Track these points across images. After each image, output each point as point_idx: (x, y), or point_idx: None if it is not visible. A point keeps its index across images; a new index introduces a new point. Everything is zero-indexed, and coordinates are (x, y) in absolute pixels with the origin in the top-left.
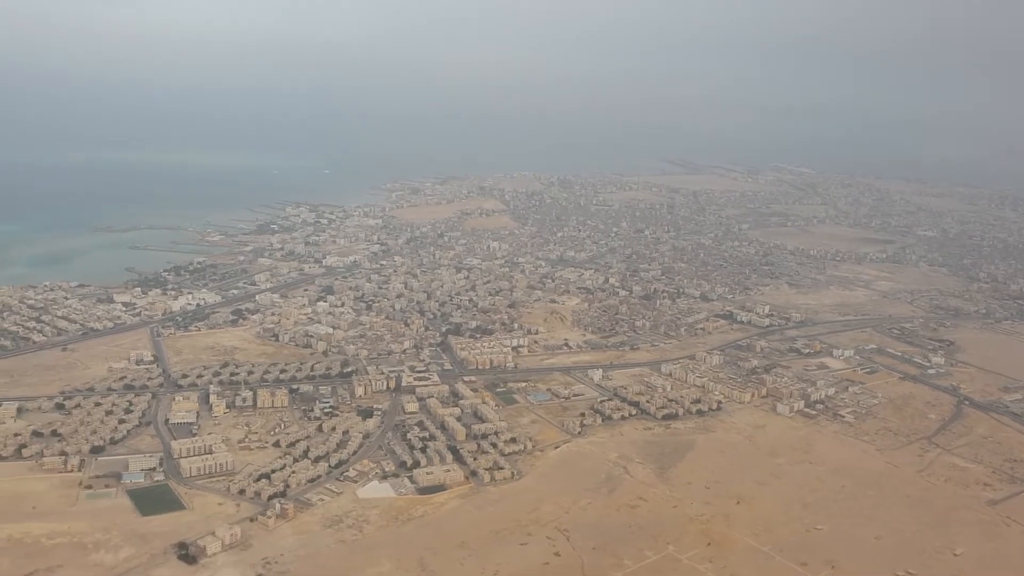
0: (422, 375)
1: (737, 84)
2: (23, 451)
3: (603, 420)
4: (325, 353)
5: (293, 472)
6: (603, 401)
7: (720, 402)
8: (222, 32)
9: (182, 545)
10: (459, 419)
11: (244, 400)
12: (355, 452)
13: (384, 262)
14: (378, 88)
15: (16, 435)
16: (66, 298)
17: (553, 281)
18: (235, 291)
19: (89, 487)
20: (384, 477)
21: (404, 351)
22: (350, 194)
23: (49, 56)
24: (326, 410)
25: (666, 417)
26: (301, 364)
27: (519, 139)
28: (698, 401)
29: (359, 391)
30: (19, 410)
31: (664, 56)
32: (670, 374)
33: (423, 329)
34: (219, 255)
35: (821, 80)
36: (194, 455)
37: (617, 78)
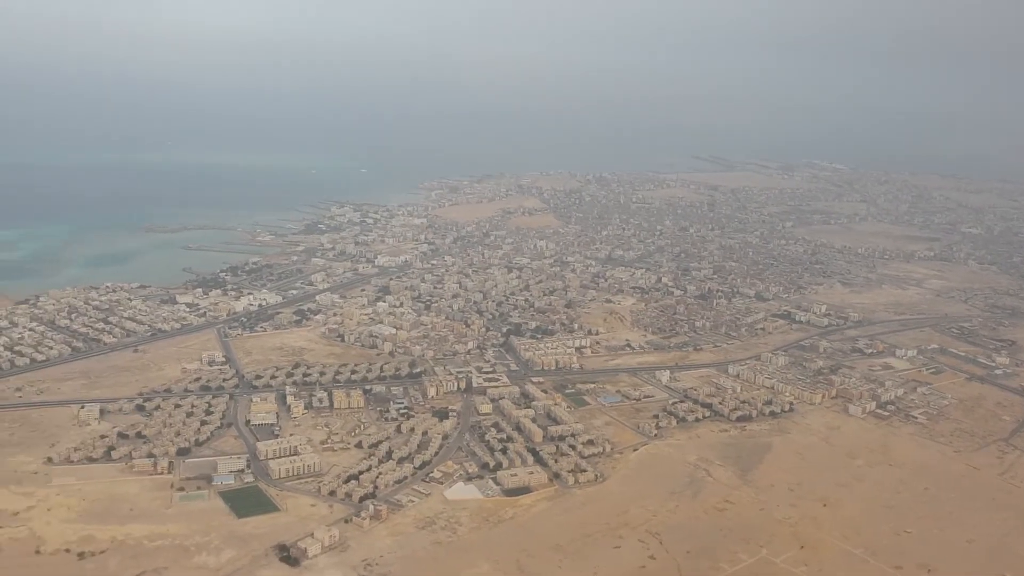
0: (491, 376)
1: (751, 80)
2: (112, 453)
3: (678, 422)
4: (391, 354)
5: (380, 473)
6: (675, 403)
7: (791, 403)
8: (247, 34)
9: (283, 547)
10: (533, 420)
11: (320, 401)
12: (436, 453)
13: (435, 262)
14: (402, 86)
15: (103, 437)
16: (129, 299)
17: (605, 280)
18: (294, 291)
19: (181, 489)
20: (469, 479)
21: (468, 352)
22: (389, 193)
23: (76, 59)
24: (401, 411)
25: (740, 419)
26: (370, 365)
27: (546, 137)
28: (770, 402)
29: (431, 392)
30: (101, 412)
31: (675, 53)
32: (737, 375)
33: (484, 330)
34: (272, 255)
35: (832, 76)
36: (281, 456)
37: (633, 74)
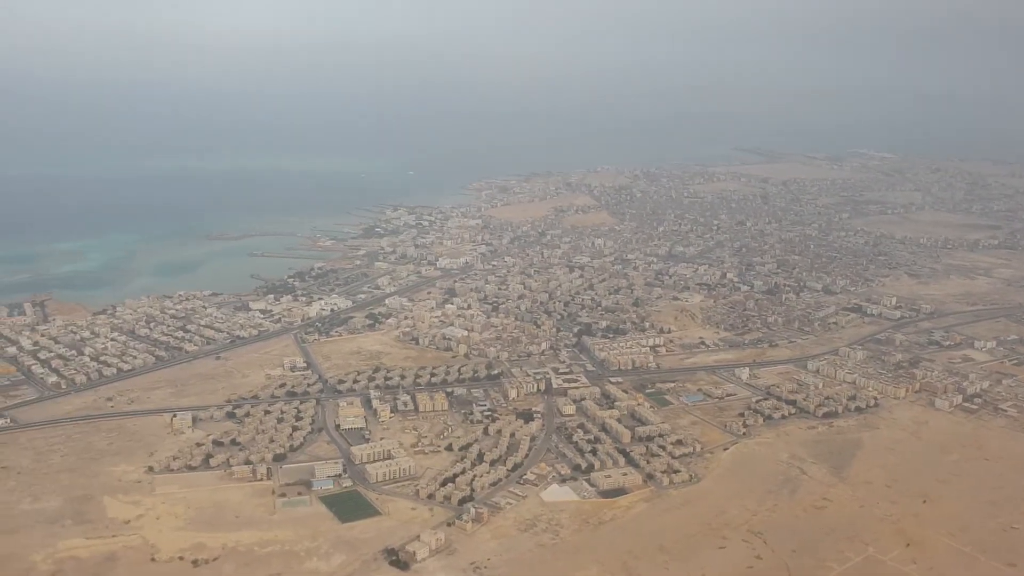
0: (570, 377)
1: (775, 69)
2: (210, 461)
3: (764, 420)
4: (466, 356)
5: (475, 476)
6: (759, 400)
7: (876, 399)
8: (266, 37)
9: (391, 551)
10: (619, 421)
11: (405, 404)
12: (527, 455)
13: (495, 263)
14: (438, 86)
15: (199, 445)
16: (204, 307)
17: (669, 277)
18: (362, 295)
19: (283, 495)
20: (563, 480)
21: (542, 353)
22: (439, 195)
23: (97, 67)
24: (485, 413)
25: (826, 415)
26: (448, 367)
27: (581, 133)
28: (853, 398)
29: (512, 394)
30: (193, 420)
31: (688, 44)
32: (817, 371)
33: (554, 330)
34: (336, 260)
35: (851, 63)
36: (376, 461)
37: (655, 67)
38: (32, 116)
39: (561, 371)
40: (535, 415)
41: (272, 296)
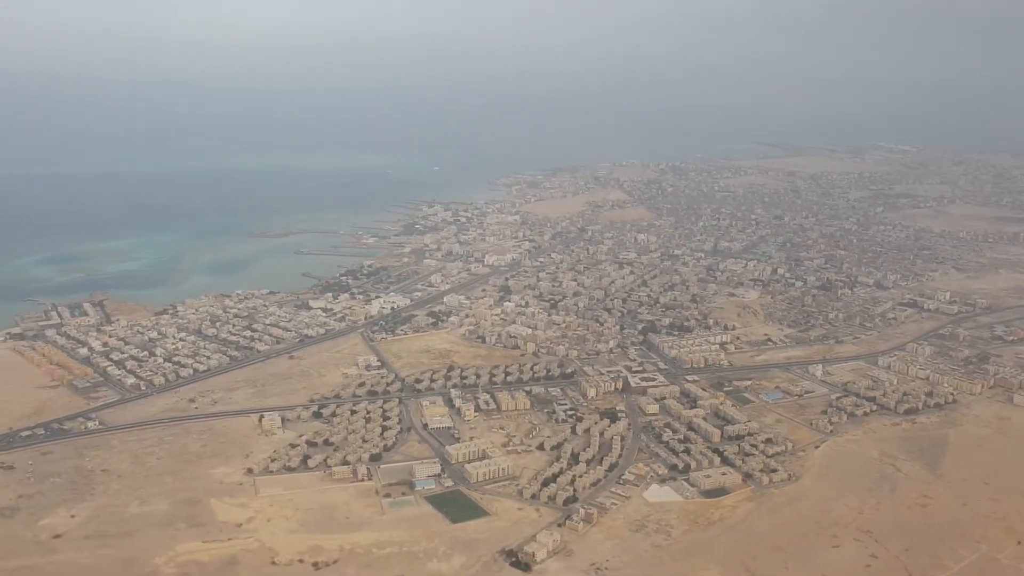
0: (647, 376)
1: (770, 60)
2: (308, 462)
3: (847, 417)
4: (535, 354)
5: (575, 476)
6: (838, 398)
7: (952, 394)
8: (277, 34)
9: (510, 552)
10: (704, 420)
11: (487, 403)
12: (620, 455)
13: (542, 259)
14: (450, 81)
15: (293, 446)
16: (265, 305)
17: (721, 273)
18: (418, 293)
19: (387, 495)
20: (662, 480)
21: (611, 351)
22: (467, 190)
23: (121, 67)
24: (568, 412)
25: (907, 412)
26: (520, 366)
27: (598, 125)
28: (930, 394)
29: (590, 392)
30: (282, 420)
31: (689, 37)
32: (888, 367)
33: (618, 328)
34: (383, 257)
35: (844, 54)
36: (473, 460)
37: (652, 59)
38: (57, 115)
39: (634, 369)
40: (619, 414)
41: (330, 294)
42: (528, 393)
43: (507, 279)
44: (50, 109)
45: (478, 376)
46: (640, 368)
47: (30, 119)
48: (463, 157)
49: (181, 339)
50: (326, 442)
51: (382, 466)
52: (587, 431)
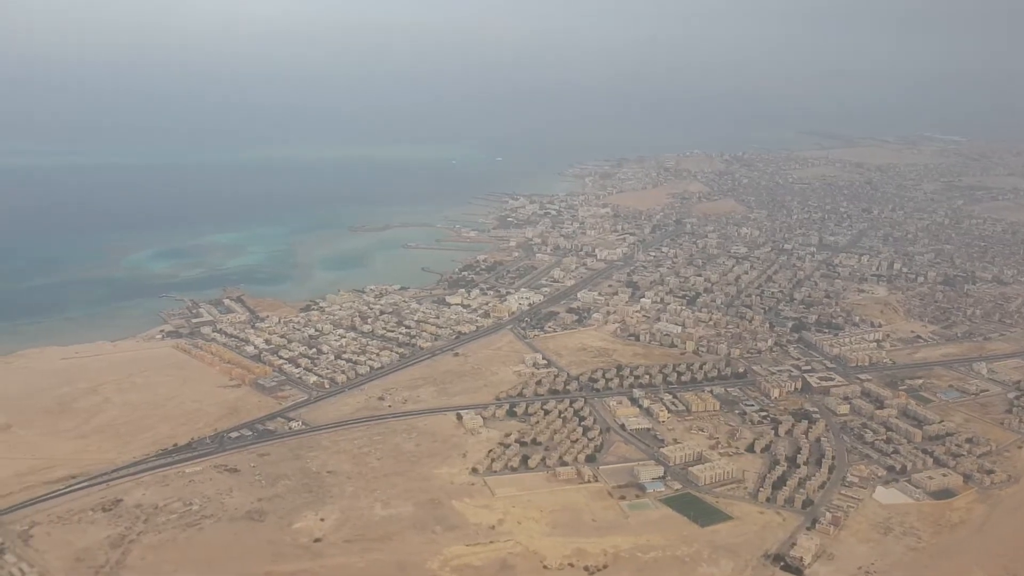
0: (825, 376)
1: (779, 49)
2: (528, 462)
3: None
4: (695, 353)
5: (803, 478)
6: (1018, 396)
7: None
8: (287, 20)
9: (776, 557)
10: (898, 419)
11: (674, 404)
12: (833, 457)
13: (653, 253)
14: (464, 69)
15: (504, 445)
16: (405, 301)
17: (842, 268)
18: (545, 289)
19: (622, 498)
20: (885, 483)
21: (770, 349)
22: (535, 181)
23: (141, 57)
24: (760, 413)
25: None
26: (689, 366)
27: (627, 115)
28: None
29: (774, 393)
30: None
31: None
32: None
33: (767, 325)
34: (493, 252)
35: (854, 43)
36: (691, 463)
37: (654, 46)
38: (102, 105)
39: (803, 368)
40: (813, 415)
41: (463, 290)
42: (710, 393)
43: (629, 274)
44: (93, 98)
45: (649, 375)
46: (808, 367)
47: (90, 110)
48: (519, 147)
49: (340, 335)
50: (534, 441)
51: (601, 467)
52: (788, 433)
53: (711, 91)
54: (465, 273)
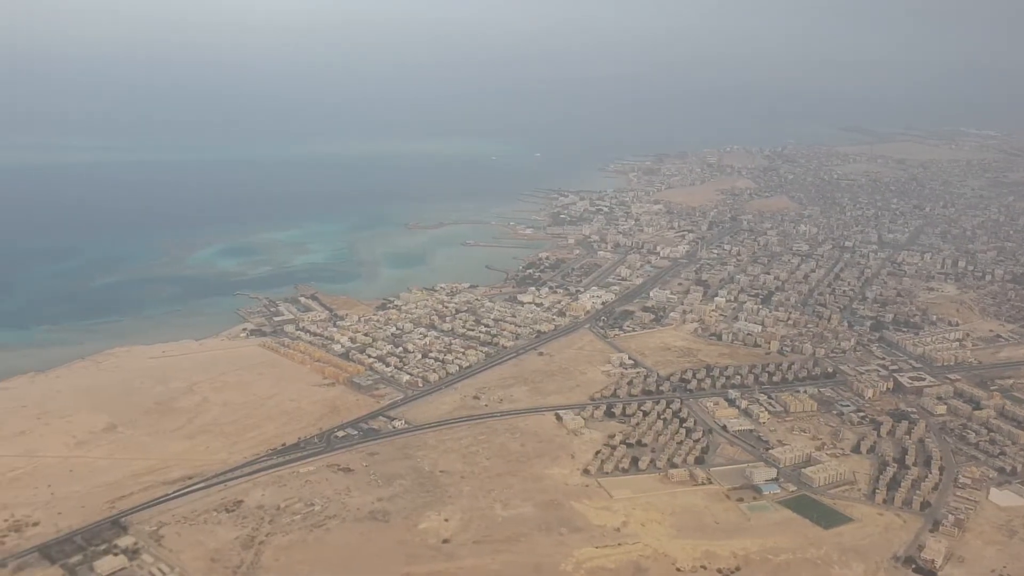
0: (915, 375)
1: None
2: (638, 463)
3: None
4: (780, 352)
5: (915, 479)
6: None
7: None
8: (288, 15)
9: (907, 559)
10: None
11: (772, 405)
12: (941, 458)
13: (716, 251)
14: (510, 60)
15: (610, 447)
16: (478, 299)
17: (909, 266)
18: (615, 287)
19: (740, 499)
20: (999, 484)
21: (854, 348)
22: (575, 176)
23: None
24: (858, 414)
25: None
26: (778, 366)
27: (647, 108)
28: None
29: (868, 393)
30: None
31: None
32: None
33: (843, 324)
34: (554, 250)
35: (863, 34)
36: (801, 464)
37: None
38: (143, 103)
39: (891, 368)
40: (911, 416)
41: (533, 288)
42: (805, 393)
43: (696, 271)
44: (123, 94)
45: (740, 375)
46: (895, 367)
47: (120, 106)
48: (554, 142)
49: (422, 334)
50: (639, 443)
51: (712, 469)
52: (889, 433)
53: (730, 84)
54: (530, 271)
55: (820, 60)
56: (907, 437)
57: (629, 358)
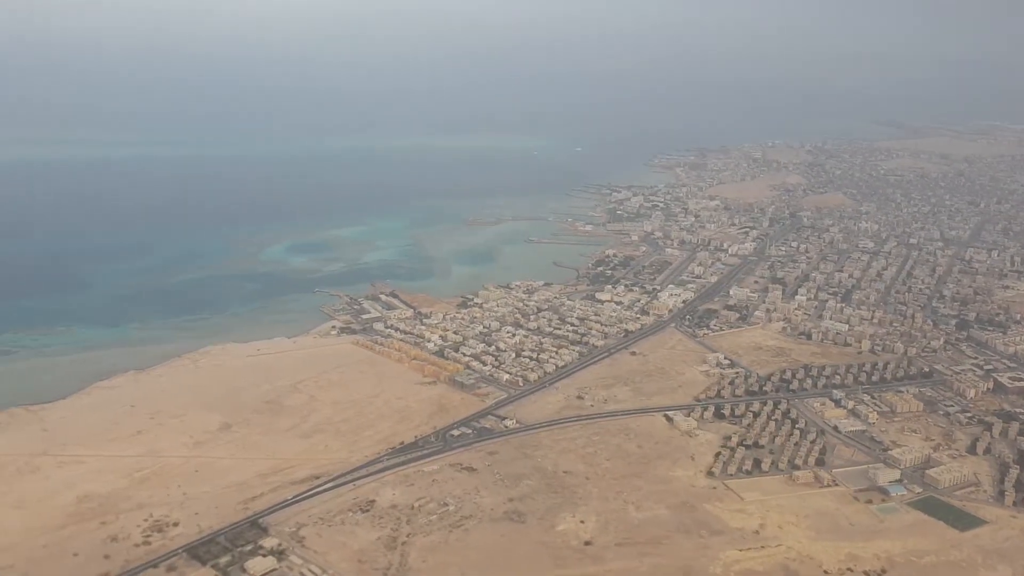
0: (1014, 375)
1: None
2: (761, 466)
3: None
4: (872, 351)
5: None
6: None
7: None
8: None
9: None
10: None
11: (878, 405)
12: None
13: (784, 248)
14: (521, 52)
15: (730, 449)
16: (557, 297)
17: (981, 264)
18: (691, 285)
19: (869, 501)
20: None
21: (944, 347)
22: (620, 171)
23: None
24: (965, 414)
25: None
26: (875, 365)
27: (673, 101)
28: None
29: (970, 393)
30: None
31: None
32: None
33: (928, 323)
34: (621, 247)
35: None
36: (921, 465)
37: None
38: (175, 98)
39: (987, 367)
40: (1019, 416)
41: (610, 286)
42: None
43: (770, 269)
44: (153, 89)
45: (840, 376)
46: (990, 366)
47: (154, 101)
48: (590, 136)
49: (510, 332)
50: (756, 444)
51: (835, 471)
52: (1001, 434)
53: (755, 77)
54: (600, 268)
55: (839, 55)
56: (1022, 438)
57: (725, 358)
